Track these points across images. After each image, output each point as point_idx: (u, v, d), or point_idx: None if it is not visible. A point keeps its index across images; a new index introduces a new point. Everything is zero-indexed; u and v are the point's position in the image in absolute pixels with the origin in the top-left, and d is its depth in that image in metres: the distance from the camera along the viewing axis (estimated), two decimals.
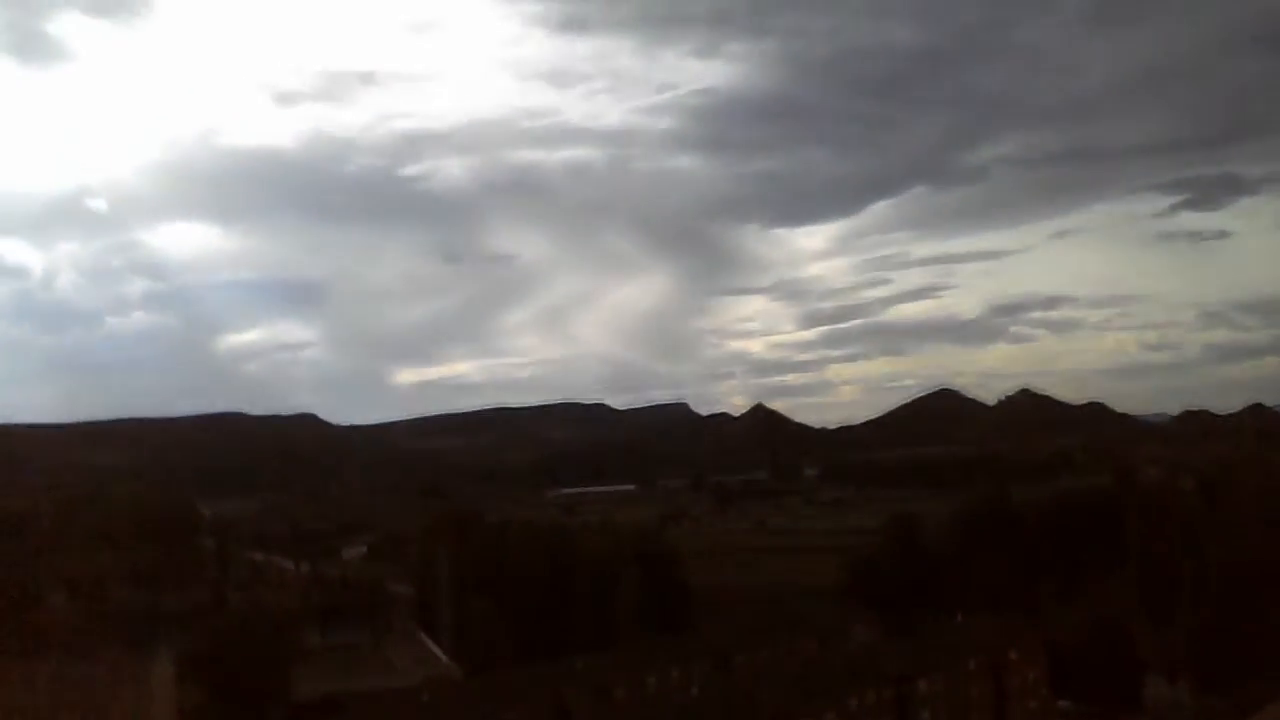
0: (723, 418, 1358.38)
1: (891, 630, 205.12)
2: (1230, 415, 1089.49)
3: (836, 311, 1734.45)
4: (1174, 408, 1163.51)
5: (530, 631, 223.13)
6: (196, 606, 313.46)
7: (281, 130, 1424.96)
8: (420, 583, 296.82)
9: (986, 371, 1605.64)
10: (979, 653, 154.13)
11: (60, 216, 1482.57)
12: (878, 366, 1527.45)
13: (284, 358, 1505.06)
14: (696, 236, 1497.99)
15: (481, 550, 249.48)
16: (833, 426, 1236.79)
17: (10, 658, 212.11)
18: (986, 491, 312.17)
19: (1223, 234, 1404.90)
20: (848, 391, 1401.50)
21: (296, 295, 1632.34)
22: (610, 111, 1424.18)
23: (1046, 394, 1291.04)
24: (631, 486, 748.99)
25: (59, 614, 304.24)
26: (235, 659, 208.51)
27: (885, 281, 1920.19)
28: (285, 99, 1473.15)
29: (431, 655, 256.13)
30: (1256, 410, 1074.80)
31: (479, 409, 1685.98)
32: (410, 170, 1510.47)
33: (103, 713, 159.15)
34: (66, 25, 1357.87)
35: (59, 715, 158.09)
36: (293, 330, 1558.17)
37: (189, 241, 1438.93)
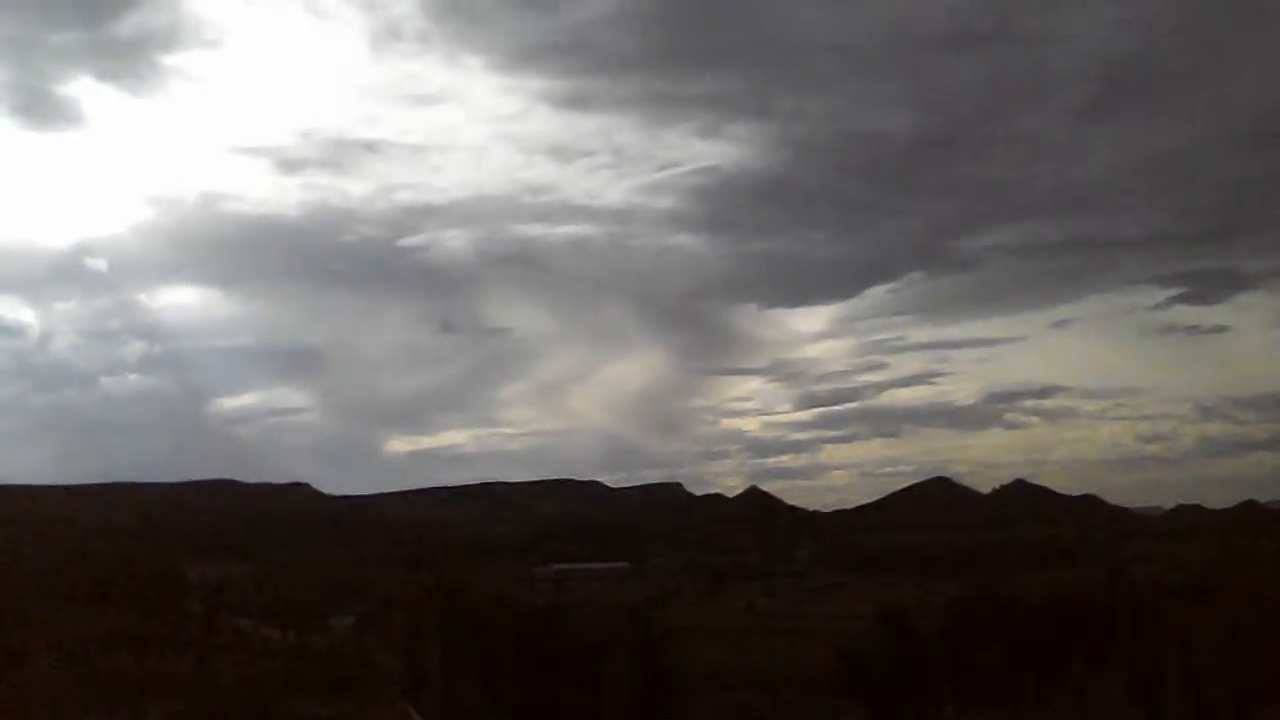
0: (716, 498, 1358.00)
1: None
2: (1223, 510, 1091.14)
3: (832, 394, 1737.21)
4: (1168, 501, 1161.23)
5: (517, 709, 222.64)
6: (180, 673, 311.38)
7: (284, 197, 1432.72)
8: (407, 655, 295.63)
9: (981, 460, 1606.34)
10: None
11: (59, 275, 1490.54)
12: (873, 449, 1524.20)
13: (277, 423, 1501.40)
14: (694, 315, 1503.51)
15: (470, 625, 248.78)
16: (827, 510, 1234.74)
17: None
18: (978, 582, 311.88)
19: (1220, 328, 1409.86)
20: (842, 476, 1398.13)
21: (293, 361, 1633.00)
22: (611, 188, 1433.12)
23: (1040, 484, 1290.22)
24: (623, 564, 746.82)
25: (43, 675, 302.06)
26: None
27: (882, 365, 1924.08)
28: (289, 166, 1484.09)
29: None
30: (1249, 507, 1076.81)
31: (471, 482, 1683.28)
32: (410, 240, 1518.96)
33: None
34: (75, 88, 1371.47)
35: None
36: (288, 396, 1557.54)
37: (187, 305, 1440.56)
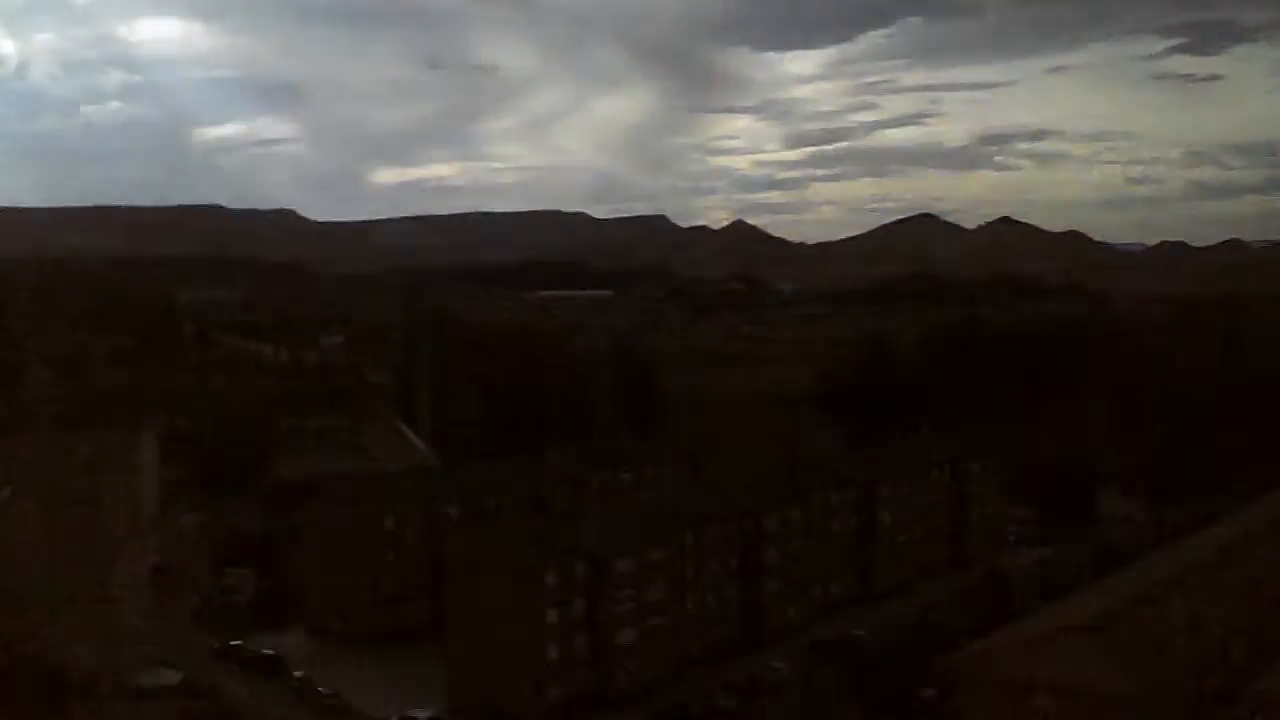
0: (702, 231, 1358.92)
1: (859, 441, 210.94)
2: (1206, 248, 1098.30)
3: (822, 134, 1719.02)
4: (1152, 239, 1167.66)
5: (507, 426, 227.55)
6: (178, 388, 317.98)
7: None
8: (399, 374, 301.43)
9: (968, 199, 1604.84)
10: (942, 463, 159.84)
11: (37, 6, 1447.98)
12: (860, 188, 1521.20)
13: (261, 153, 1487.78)
14: (685, 55, 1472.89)
15: (461, 346, 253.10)
16: (811, 243, 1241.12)
17: None
18: (959, 313, 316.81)
19: (1216, 77, 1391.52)
20: (829, 211, 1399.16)
21: (275, 93, 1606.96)
22: None
23: (1027, 221, 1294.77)
24: (609, 293, 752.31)
25: (45, 390, 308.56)
26: (217, 439, 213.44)
27: (873, 106, 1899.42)
28: None
29: (410, 443, 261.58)
30: (1233, 244, 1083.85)
31: (460, 212, 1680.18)
32: None
33: (91, 488, 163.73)
34: None
35: (47, 488, 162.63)
36: (271, 126, 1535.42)
37: (168, 37, 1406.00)
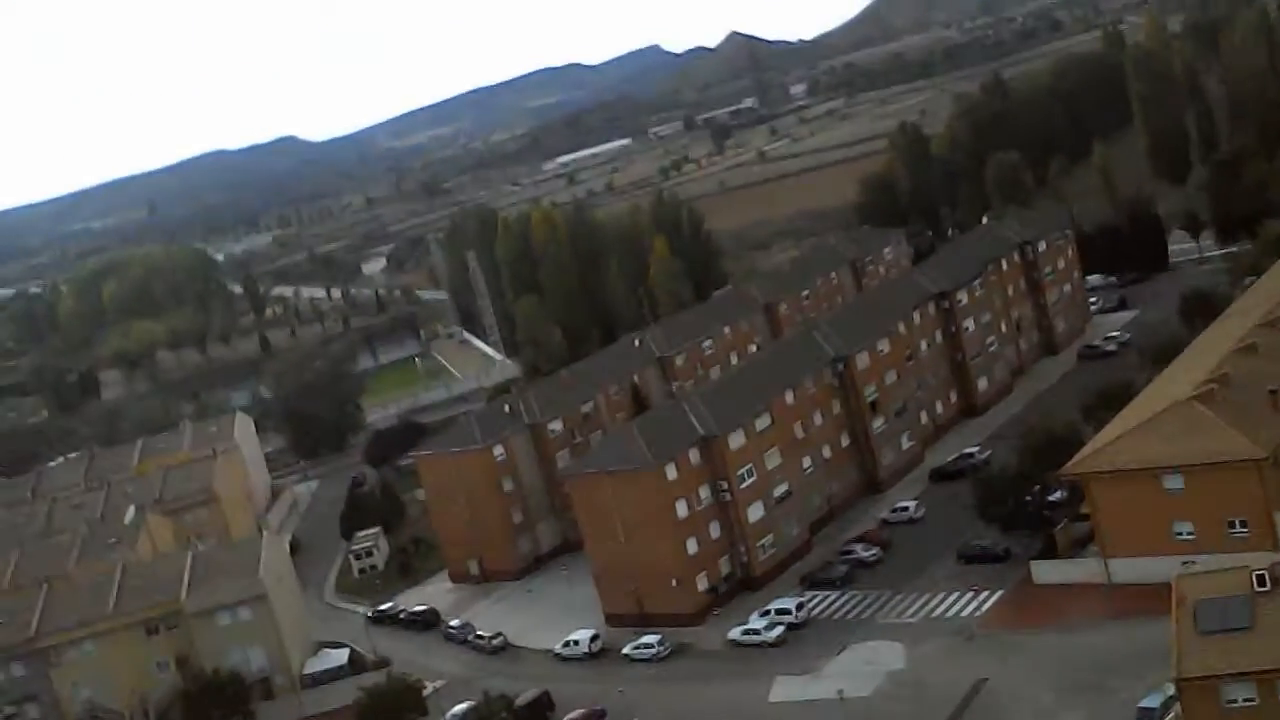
0: (699, 51, 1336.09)
1: (922, 246, 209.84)
2: None
3: None
4: None
5: (573, 321, 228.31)
6: (247, 357, 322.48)
7: None
8: (453, 288, 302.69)
9: None
10: (1008, 252, 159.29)
11: None
12: None
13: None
14: None
15: (508, 248, 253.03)
16: (810, 37, 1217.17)
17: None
18: (981, 82, 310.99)
19: None
20: None
21: None
22: None
23: None
24: (626, 141, 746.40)
25: (125, 393, 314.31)
26: (303, 403, 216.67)
27: None
28: None
29: (486, 357, 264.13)
30: None
31: (454, 95, 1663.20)
32: None
33: (201, 474, 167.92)
34: None
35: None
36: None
37: None
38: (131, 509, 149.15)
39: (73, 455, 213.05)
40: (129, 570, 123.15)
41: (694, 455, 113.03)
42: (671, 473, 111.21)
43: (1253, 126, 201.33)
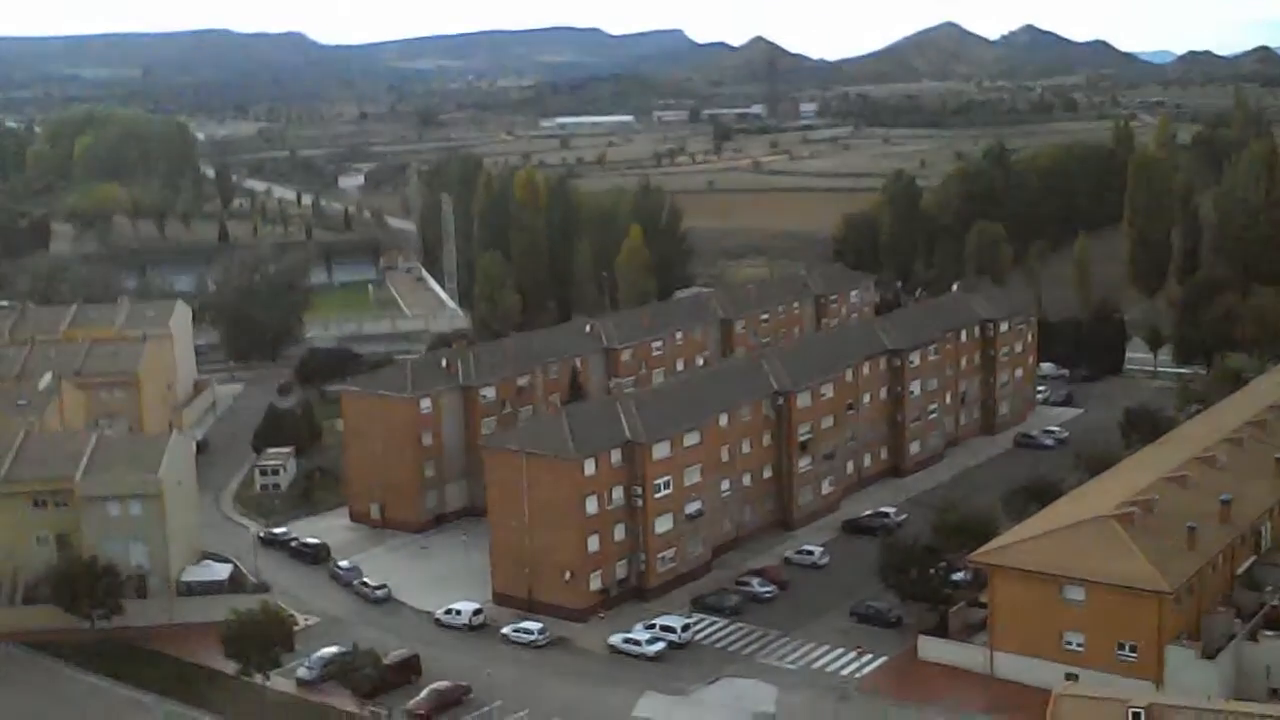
0: (721, 47, 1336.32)
1: (888, 296, 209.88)
2: (1234, 57, 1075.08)
3: None
4: (1178, 47, 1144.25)
5: (533, 288, 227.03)
6: (203, 243, 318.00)
7: None
8: (423, 224, 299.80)
9: (991, 4, 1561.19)
10: (970, 324, 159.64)
11: None
12: None
13: None
14: None
15: (485, 201, 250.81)
16: (832, 59, 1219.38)
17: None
18: (984, 146, 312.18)
19: None
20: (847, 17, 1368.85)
21: None
22: None
23: (1050, 30, 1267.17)
24: (629, 118, 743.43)
25: (70, 249, 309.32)
26: (245, 302, 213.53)
27: None
28: None
29: (439, 301, 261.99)
30: (1261, 53, 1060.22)
31: (470, 31, 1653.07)
32: None
33: (127, 355, 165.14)
34: None
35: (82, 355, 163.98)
36: None
37: None
38: (48, 375, 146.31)
39: (4, 304, 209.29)
40: (31, 437, 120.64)
41: (616, 456, 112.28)
42: (590, 468, 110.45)
43: (1236, 258, 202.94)
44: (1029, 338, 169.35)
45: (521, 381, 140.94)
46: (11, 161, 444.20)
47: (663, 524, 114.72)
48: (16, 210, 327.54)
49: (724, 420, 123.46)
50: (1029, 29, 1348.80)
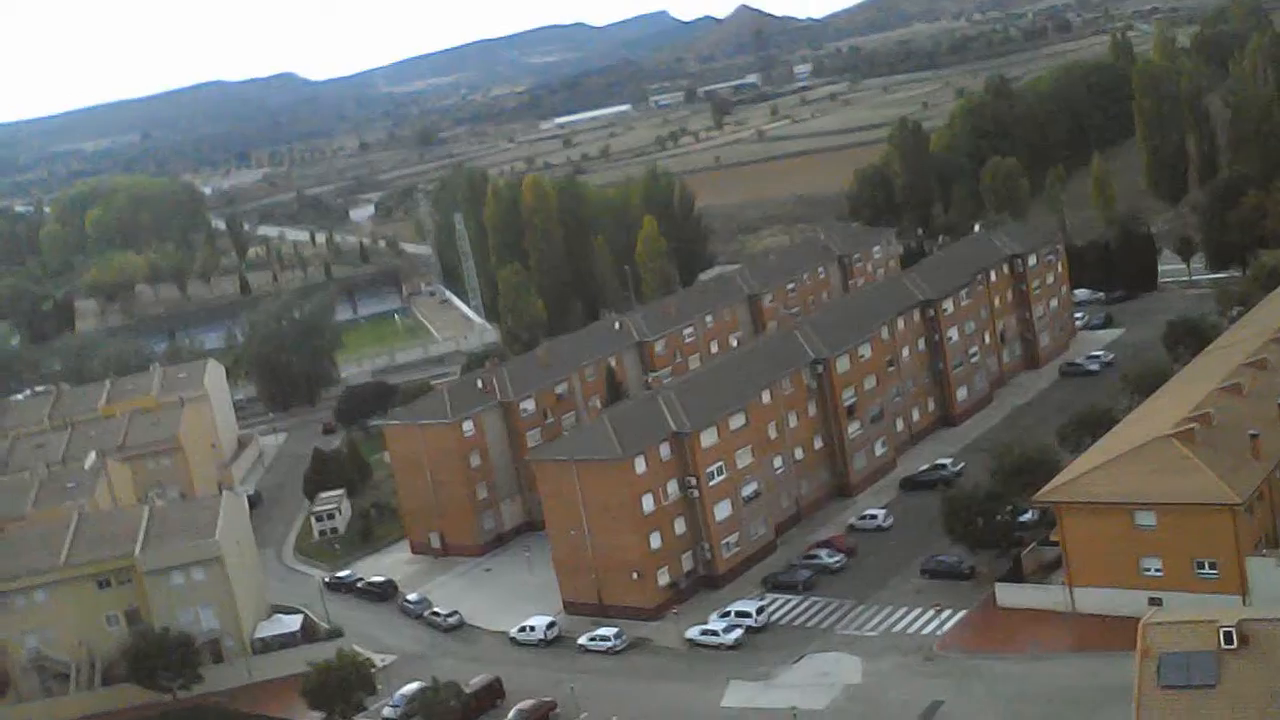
0: (707, 21, 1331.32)
1: (911, 246, 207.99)
2: None
3: None
4: None
5: (556, 293, 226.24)
6: (226, 298, 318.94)
7: None
8: (439, 245, 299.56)
9: None
10: (998, 263, 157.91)
11: None
12: None
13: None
14: None
15: (495, 213, 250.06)
16: (820, 16, 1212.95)
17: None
18: (985, 81, 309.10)
19: None
20: None
21: None
22: None
23: None
24: (626, 107, 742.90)
25: (92, 326, 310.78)
26: (278, 349, 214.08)
27: None
28: None
29: (466, 319, 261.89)
30: None
31: (457, 45, 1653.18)
32: None
33: (167, 422, 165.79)
34: None
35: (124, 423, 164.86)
36: None
37: None
38: (93, 454, 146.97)
39: (40, 390, 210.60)
40: (85, 519, 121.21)
41: (664, 450, 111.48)
42: (640, 466, 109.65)
43: (1254, 154, 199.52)
44: (1059, 266, 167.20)
45: (559, 389, 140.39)
46: (26, 246, 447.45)
47: (721, 510, 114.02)
48: (38, 294, 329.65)
49: (766, 397, 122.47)
50: None
